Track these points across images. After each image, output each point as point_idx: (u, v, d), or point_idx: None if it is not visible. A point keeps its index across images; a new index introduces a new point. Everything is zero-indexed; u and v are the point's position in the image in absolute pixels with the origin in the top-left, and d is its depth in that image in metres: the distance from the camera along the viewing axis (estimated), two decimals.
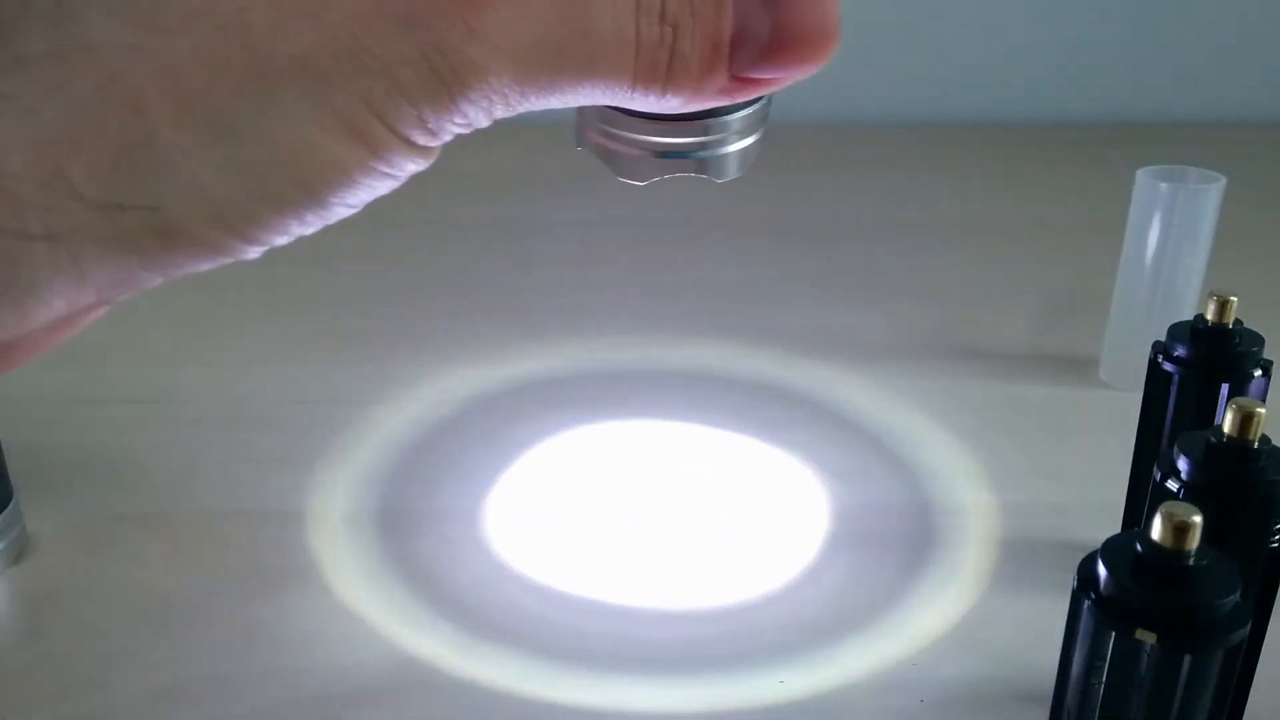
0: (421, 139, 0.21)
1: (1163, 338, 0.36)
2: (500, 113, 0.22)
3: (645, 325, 0.58)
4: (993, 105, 0.93)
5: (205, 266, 0.22)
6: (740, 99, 0.24)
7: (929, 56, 0.91)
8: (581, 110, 0.26)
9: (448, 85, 0.21)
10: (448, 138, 0.22)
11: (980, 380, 0.52)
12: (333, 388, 0.51)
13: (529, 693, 0.34)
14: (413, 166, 0.22)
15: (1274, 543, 0.27)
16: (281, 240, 0.22)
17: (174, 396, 0.50)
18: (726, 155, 0.26)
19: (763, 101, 0.26)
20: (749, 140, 0.26)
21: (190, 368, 0.52)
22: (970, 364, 0.54)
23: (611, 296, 0.61)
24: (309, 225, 0.22)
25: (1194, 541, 0.23)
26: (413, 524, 0.42)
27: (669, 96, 0.23)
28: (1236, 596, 0.23)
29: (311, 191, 0.21)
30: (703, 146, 0.26)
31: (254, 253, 0.23)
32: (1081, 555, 0.25)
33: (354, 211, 0.22)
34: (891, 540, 0.41)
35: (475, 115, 0.21)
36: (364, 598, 0.38)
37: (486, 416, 0.49)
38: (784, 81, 0.23)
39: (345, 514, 0.42)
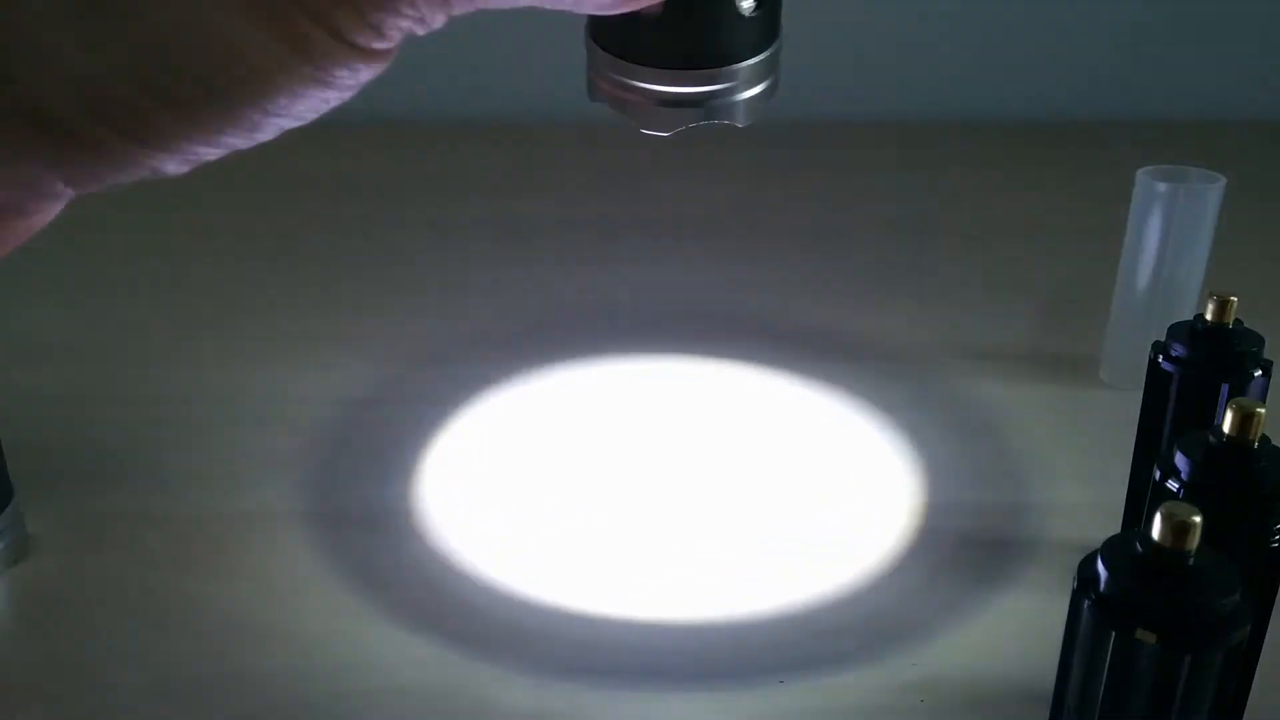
0: (369, 41, 0.18)
1: (1163, 338, 0.36)
2: (458, 10, 0.19)
3: (646, 325, 0.58)
4: (992, 105, 0.93)
5: (118, 176, 0.19)
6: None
7: (929, 56, 0.91)
8: (593, 61, 0.26)
9: None
10: (397, 37, 0.18)
11: (980, 380, 0.52)
12: (333, 388, 0.51)
13: (531, 692, 0.34)
14: (365, 74, 0.19)
15: (1274, 543, 0.27)
16: (205, 153, 0.18)
17: (174, 397, 0.50)
18: (738, 102, 0.26)
19: (773, 48, 0.26)
20: (760, 87, 0.26)
21: (190, 368, 0.52)
22: (970, 364, 0.54)
23: (612, 296, 0.61)
24: (231, 137, 0.18)
25: (1194, 541, 0.23)
26: (413, 524, 0.42)
27: None
28: (1236, 596, 0.23)
29: (212, 91, 0.17)
30: (713, 95, 0.26)
31: (171, 165, 0.19)
32: (1081, 555, 0.25)
33: (295, 125, 0.19)
34: (890, 540, 0.41)
35: (427, 10, 0.18)
36: (364, 598, 0.38)
37: (487, 416, 0.49)
38: None
39: (345, 514, 0.42)
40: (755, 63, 0.26)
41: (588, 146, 0.80)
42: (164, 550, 0.40)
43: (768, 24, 0.26)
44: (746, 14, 0.24)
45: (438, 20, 0.19)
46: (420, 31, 0.19)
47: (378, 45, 0.18)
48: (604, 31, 0.26)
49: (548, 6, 0.21)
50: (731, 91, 0.26)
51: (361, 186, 0.74)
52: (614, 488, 0.45)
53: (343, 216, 0.70)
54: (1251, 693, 0.30)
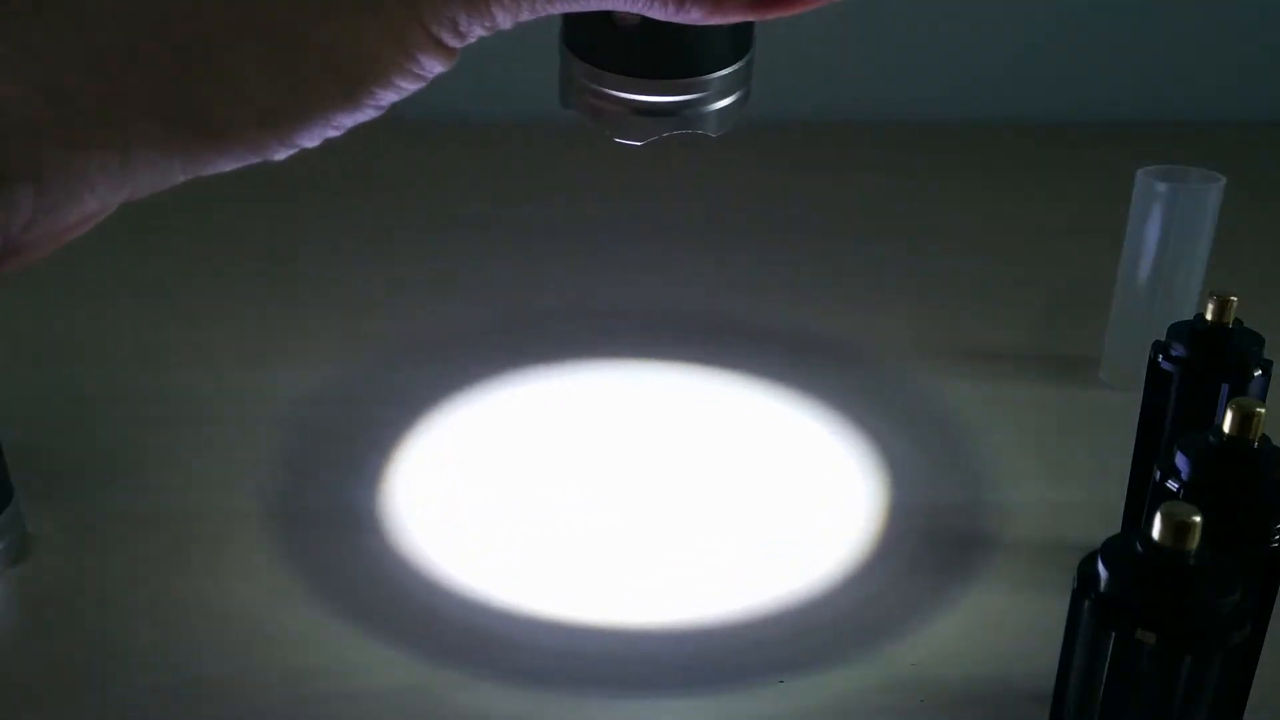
0: (451, 40, 0.23)
1: (1163, 338, 0.36)
2: (526, 16, 0.23)
3: (646, 325, 0.58)
4: (993, 105, 0.92)
5: (239, 163, 0.23)
6: (762, 17, 0.24)
7: (928, 56, 0.91)
8: (568, 70, 0.26)
9: None
10: (473, 39, 0.23)
11: (980, 380, 0.52)
12: (333, 388, 0.51)
13: (522, 697, 0.34)
14: (439, 68, 0.24)
15: (1274, 543, 0.27)
16: (311, 143, 0.24)
17: (174, 397, 0.50)
18: (711, 112, 0.26)
19: (745, 59, 0.26)
20: (733, 97, 0.26)
21: (190, 368, 0.52)
22: (970, 364, 0.54)
23: (612, 296, 0.61)
24: (341, 127, 0.24)
25: (1194, 541, 0.23)
26: (413, 523, 0.42)
27: (691, 5, 0.23)
28: (1236, 596, 0.23)
29: (351, 95, 0.23)
30: (685, 105, 0.26)
31: (284, 153, 0.24)
32: (1082, 555, 0.25)
33: (379, 114, 0.24)
34: (890, 540, 0.41)
35: (502, 18, 0.23)
36: (365, 597, 0.38)
37: (486, 416, 0.49)
38: (809, 4, 0.24)
39: (345, 514, 0.42)
40: (728, 73, 0.26)
41: (587, 147, 0.80)
42: (162, 550, 0.40)
43: (742, 35, 0.26)
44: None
45: (508, 23, 0.23)
46: (489, 33, 0.23)
47: (455, 44, 0.23)
48: (579, 39, 0.26)
49: (623, 9, 0.24)
50: (705, 101, 0.26)
51: (361, 187, 0.74)
52: (604, 491, 0.45)
53: (342, 217, 0.70)
54: (1251, 692, 0.30)
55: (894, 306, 0.60)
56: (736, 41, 0.26)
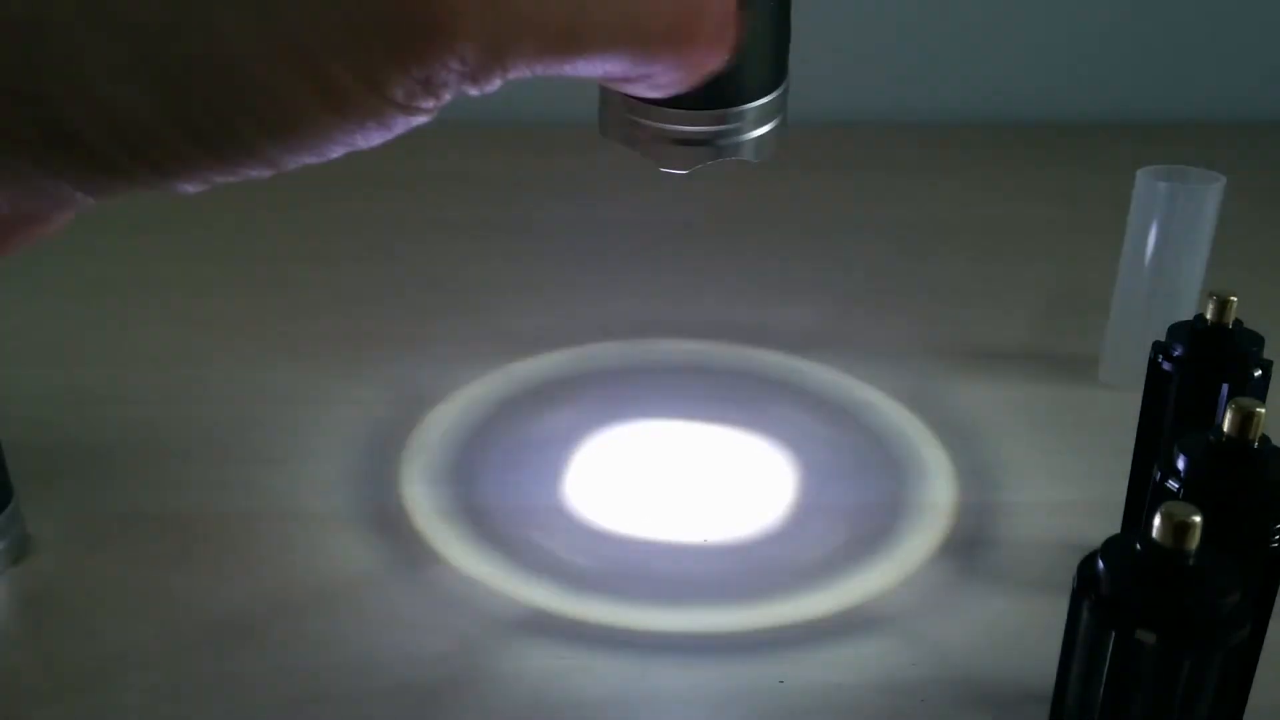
0: (405, 97, 0.17)
1: (1163, 338, 0.36)
2: (514, 71, 0.18)
3: (646, 325, 0.58)
4: (993, 105, 0.93)
5: (129, 191, 0.19)
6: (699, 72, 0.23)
7: (929, 56, 0.91)
8: (607, 100, 0.26)
9: (437, 27, 0.17)
10: (447, 97, 0.18)
11: (980, 380, 0.52)
12: (333, 388, 0.51)
13: (527, 696, 0.34)
14: (399, 127, 0.18)
15: (1274, 543, 0.27)
16: (222, 179, 0.19)
17: (173, 397, 0.50)
18: (749, 140, 0.26)
19: (782, 88, 0.26)
20: (770, 125, 0.26)
21: (190, 368, 0.52)
22: (970, 364, 0.54)
23: (612, 297, 0.61)
24: (250, 171, 0.18)
25: (1194, 541, 0.23)
26: (413, 523, 0.42)
27: (680, 66, 0.21)
28: (1236, 596, 0.23)
29: (241, 137, 0.17)
30: (724, 134, 0.26)
31: (188, 188, 0.19)
32: (1082, 555, 0.25)
33: (318, 161, 0.19)
34: (890, 541, 0.41)
35: (478, 70, 0.18)
36: (365, 597, 0.38)
37: (486, 416, 0.49)
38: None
39: (345, 513, 0.42)
40: (765, 102, 0.26)
41: (587, 148, 0.80)
42: (164, 550, 0.40)
43: (779, 64, 0.26)
44: None
45: (491, 84, 0.18)
46: (474, 93, 0.18)
47: (423, 104, 0.18)
48: None
49: (620, 88, 0.21)
50: (744, 129, 0.26)
51: (361, 188, 0.74)
52: (608, 490, 0.45)
53: (343, 217, 0.70)
54: (1252, 693, 0.30)
55: (893, 306, 0.60)
56: (773, 71, 0.26)
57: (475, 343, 0.55)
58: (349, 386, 0.51)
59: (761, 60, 0.25)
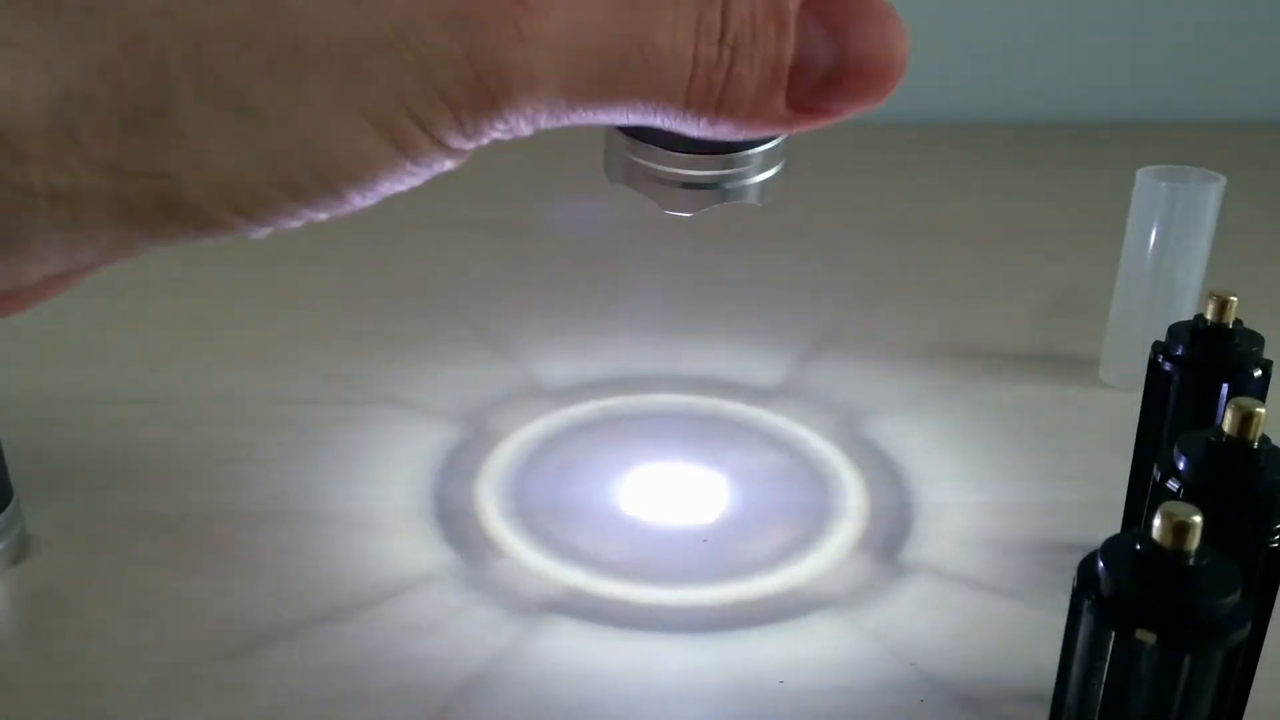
0: (456, 142, 0.21)
1: (1163, 338, 0.36)
2: (545, 123, 0.21)
3: (646, 325, 0.58)
4: (993, 105, 0.93)
5: (207, 240, 0.21)
6: (796, 130, 0.23)
7: (929, 56, 0.91)
8: (613, 144, 0.26)
9: (490, 91, 0.20)
10: (485, 141, 0.21)
11: (980, 380, 0.52)
12: (333, 388, 0.51)
13: (527, 697, 0.34)
14: (442, 166, 0.21)
15: (1274, 543, 0.27)
16: (291, 224, 0.21)
17: (174, 396, 0.50)
18: (753, 185, 0.26)
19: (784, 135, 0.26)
20: (774, 169, 0.27)
21: (191, 368, 0.52)
22: (970, 364, 0.54)
23: (612, 298, 0.61)
24: (323, 213, 0.21)
25: (1194, 541, 0.23)
26: (413, 522, 0.42)
27: (722, 121, 0.22)
28: (1236, 596, 0.23)
29: (329, 184, 0.20)
30: (728, 179, 0.26)
31: (261, 233, 0.22)
32: (1082, 555, 0.25)
33: (373, 202, 0.22)
34: (889, 540, 0.42)
35: (517, 123, 0.21)
36: (366, 596, 0.38)
37: (486, 416, 0.49)
38: (843, 114, 0.22)
39: (345, 513, 0.42)
40: (770, 148, 0.26)
41: (587, 150, 0.80)
42: (164, 550, 0.40)
43: None
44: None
45: (523, 134, 0.21)
46: (506, 138, 0.21)
47: (466, 146, 0.21)
48: None
49: (651, 124, 0.22)
50: (748, 174, 0.26)
51: None
52: (610, 490, 0.45)
53: (344, 217, 0.70)
54: (1252, 693, 0.30)
55: (892, 306, 0.60)
56: None
57: (478, 342, 0.55)
58: (350, 386, 0.51)
59: None
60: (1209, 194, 0.47)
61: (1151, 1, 0.90)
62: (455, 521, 0.42)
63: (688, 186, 0.26)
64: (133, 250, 0.21)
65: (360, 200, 0.21)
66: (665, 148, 0.25)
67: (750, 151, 0.26)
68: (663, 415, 0.50)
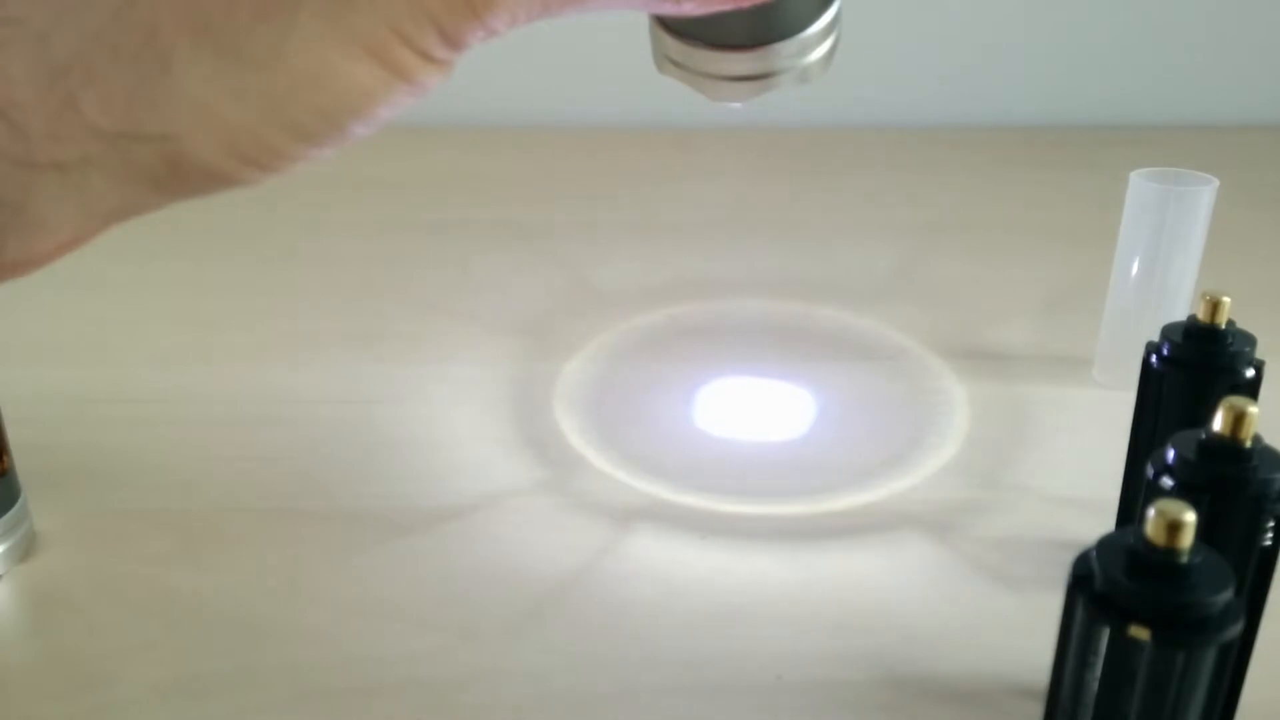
0: (441, 53, 0.21)
1: (1156, 338, 0.36)
2: (522, 21, 0.22)
3: (646, 325, 0.58)
4: (992, 106, 0.93)
5: (215, 192, 0.22)
6: (746, 4, 0.24)
7: (929, 57, 0.92)
8: (658, 42, 0.27)
9: (471, 2, 0.20)
10: (467, 48, 0.22)
11: (977, 380, 0.53)
12: (333, 388, 0.51)
13: (530, 688, 0.35)
14: (432, 81, 0.22)
15: (1266, 540, 0.28)
16: (295, 167, 0.22)
17: (178, 396, 0.50)
18: (799, 68, 0.27)
19: (832, 9, 0.27)
20: (818, 52, 0.27)
21: (193, 367, 0.53)
22: (967, 364, 0.54)
23: (612, 298, 0.61)
24: (328, 150, 0.21)
25: (1187, 539, 0.23)
26: (413, 522, 0.42)
27: (686, 1, 0.23)
28: (1229, 594, 0.24)
29: (332, 118, 0.20)
30: (775, 69, 0.27)
31: (268, 179, 0.22)
32: (1076, 553, 0.25)
33: (373, 130, 0.22)
34: (888, 539, 0.42)
35: (497, 25, 0.21)
36: (367, 594, 0.38)
37: (485, 416, 0.49)
38: None
39: (346, 512, 0.43)
40: (810, 33, 0.27)
41: (587, 150, 0.80)
42: (170, 547, 0.40)
43: None
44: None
45: (502, 31, 0.22)
46: (484, 40, 0.22)
47: (446, 55, 0.21)
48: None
49: (639, 9, 0.23)
50: (793, 59, 0.27)
51: (363, 188, 0.74)
52: (618, 489, 0.45)
53: (345, 217, 0.71)
54: (1244, 690, 0.30)
55: (891, 305, 0.60)
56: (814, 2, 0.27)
57: (478, 342, 0.55)
58: (351, 386, 0.52)
59: None
60: (1202, 196, 0.47)
61: (1145, 6, 0.90)
62: (452, 519, 0.43)
63: (734, 79, 0.27)
64: (143, 210, 0.22)
65: (362, 130, 0.21)
66: (707, 46, 0.26)
67: (791, 39, 0.26)
68: (654, 415, 0.50)
